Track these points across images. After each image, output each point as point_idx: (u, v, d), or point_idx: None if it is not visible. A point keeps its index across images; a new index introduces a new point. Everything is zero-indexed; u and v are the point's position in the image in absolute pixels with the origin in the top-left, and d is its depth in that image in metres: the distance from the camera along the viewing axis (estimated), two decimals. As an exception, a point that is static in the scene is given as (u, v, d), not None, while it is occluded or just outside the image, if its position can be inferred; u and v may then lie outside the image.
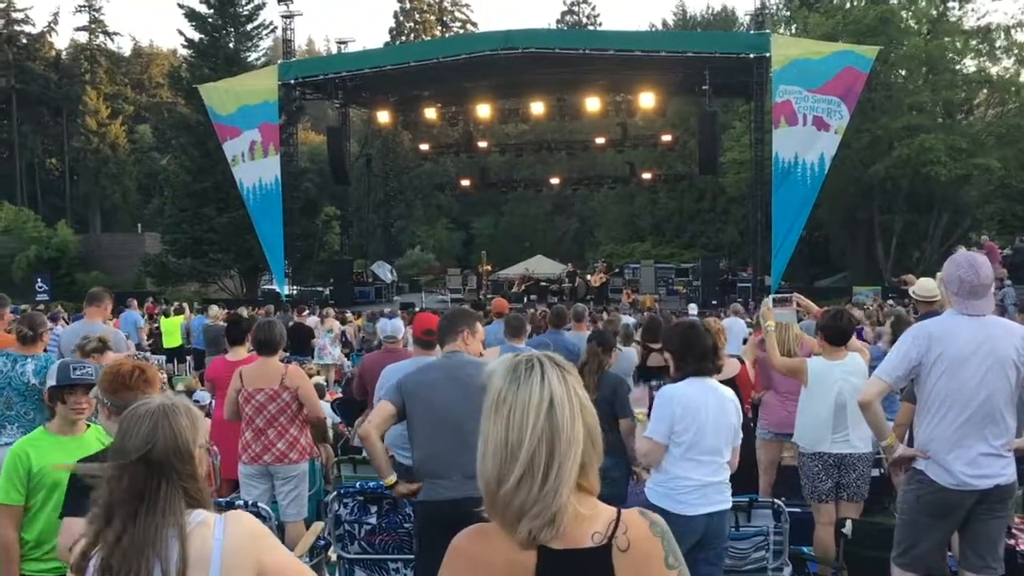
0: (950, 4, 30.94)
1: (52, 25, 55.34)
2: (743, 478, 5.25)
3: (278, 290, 27.57)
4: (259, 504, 4.72)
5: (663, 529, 1.71)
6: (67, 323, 13.52)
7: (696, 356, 4.00)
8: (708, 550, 3.86)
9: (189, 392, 9.35)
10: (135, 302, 14.97)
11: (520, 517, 1.58)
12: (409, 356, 5.64)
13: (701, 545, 3.82)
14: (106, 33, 59.09)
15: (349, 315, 19.15)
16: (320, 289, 30.17)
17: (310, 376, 7.19)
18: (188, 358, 15.96)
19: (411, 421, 3.86)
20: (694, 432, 3.85)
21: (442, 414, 3.74)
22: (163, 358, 15.65)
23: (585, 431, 1.63)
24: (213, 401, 7.25)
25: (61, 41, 57.93)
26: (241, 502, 4.78)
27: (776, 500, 4.76)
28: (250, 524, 1.99)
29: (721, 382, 5.40)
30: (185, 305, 19.28)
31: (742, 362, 6.36)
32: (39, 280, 33.62)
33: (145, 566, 1.84)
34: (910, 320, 6.84)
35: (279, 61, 28.75)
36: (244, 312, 15.03)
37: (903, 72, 30.58)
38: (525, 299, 26.05)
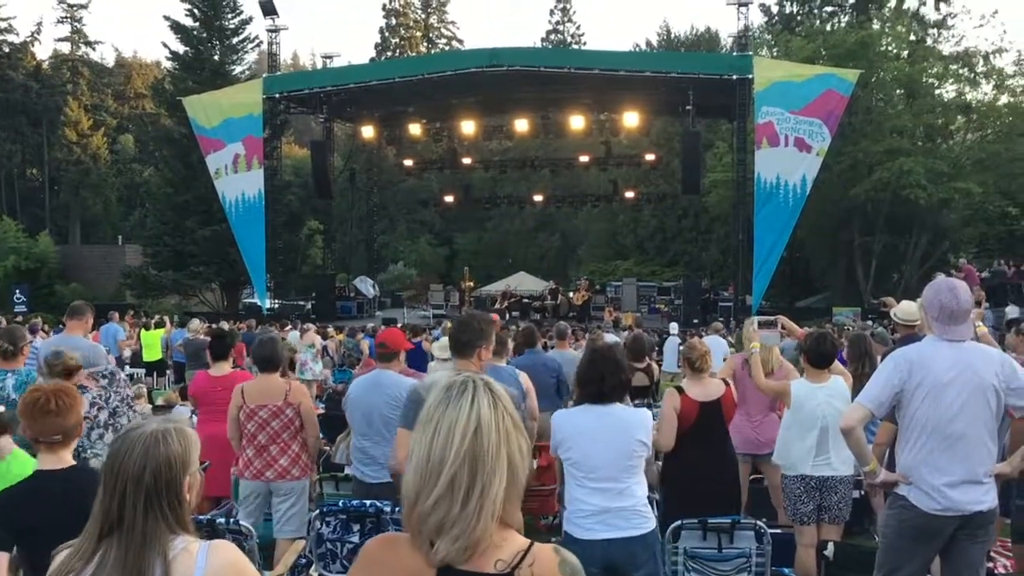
0: (930, 30, 31.36)
1: (35, 35, 55.13)
2: (728, 499, 5.28)
3: (260, 304, 27.45)
4: (240, 521, 4.67)
5: (573, 568, 1.70)
6: (47, 335, 13.41)
7: (588, 382, 3.99)
8: None
9: (169, 406, 9.27)
10: (116, 315, 14.88)
11: (438, 535, 1.59)
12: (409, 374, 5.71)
13: (614, 573, 3.79)
14: (88, 44, 58.87)
15: (331, 330, 19.09)
16: (302, 303, 30.07)
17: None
18: (168, 372, 15.84)
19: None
20: (580, 458, 3.85)
21: None
22: (143, 371, 15.54)
23: (508, 462, 1.63)
24: (194, 416, 7.21)
25: (43, 51, 57.62)
26: (222, 520, 4.74)
27: (758, 522, 4.78)
28: (233, 555, 2.02)
29: (706, 404, 5.49)
30: (166, 318, 19.15)
31: (727, 383, 6.39)
32: (17, 291, 33.30)
33: None
34: (866, 338, 6.92)
35: (264, 75, 28.75)
36: (226, 326, 14.94)
37: (883, 96, 30.93)
38: (507, 316, 26.07)
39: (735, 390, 6.24)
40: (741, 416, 6.35)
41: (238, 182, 26.51)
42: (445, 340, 7.67)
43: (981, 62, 29.29)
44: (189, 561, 1.92)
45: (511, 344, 7.26)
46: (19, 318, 21.19)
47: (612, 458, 3.84)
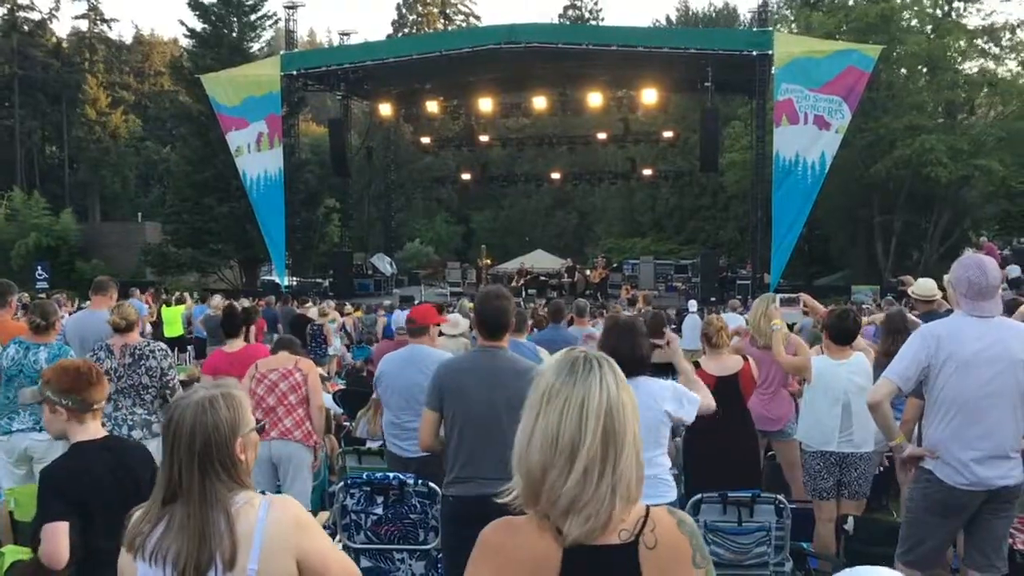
0: (955, 4, 30.90)
1: (54, 12, 55.33)
2: (747, 473, 5.31)
3: (278, 281, 27.62)
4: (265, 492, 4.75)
5: (691, 527, 1.71)
6: (70, 311, 13.56)
7: (610, 355, 3.96)
8: None
9: (191, 381, 9.38)
10: (138, 291, 15.00)
11: (567, 513, 1.59)
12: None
13: None
14: (105, 21, 58.96)
15: (348, 307, 19.19)
16: (320, 281, 30.21)
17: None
18: (189, 348, 16.00)
19: (445, 417, 3.90)
20: None
21: (476, 411, 3.78)
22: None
23: (634, 439, 1.65)
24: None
25: (62, 29, 57.76)
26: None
27: (778, 496, 4.81)
28: (295, 510, 2.09)
29: (724, 379, 5.51)
30: (187, 295, 19.30)
31: (745, 359, 6.40)
32: (39, 268, 33.61)
33: (201, 548, 1.96)
34: (903, 314, 6.89)
35: (281, 52, 28.73)
36: (245, 303, 15.05)
37: (904, 71, 30.56)
38: (524, 293, 26.10)
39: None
40: (755, 393, 6.37)
41: (260, 160, 26.59)
42: (456, 316, 7.71)
43: (1008, 36, 28.83)
44: (252, 514, 2.02)
45: (529, 322, 7.28)
46: (42, 295, 21.40)
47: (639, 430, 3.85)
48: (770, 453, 6.59)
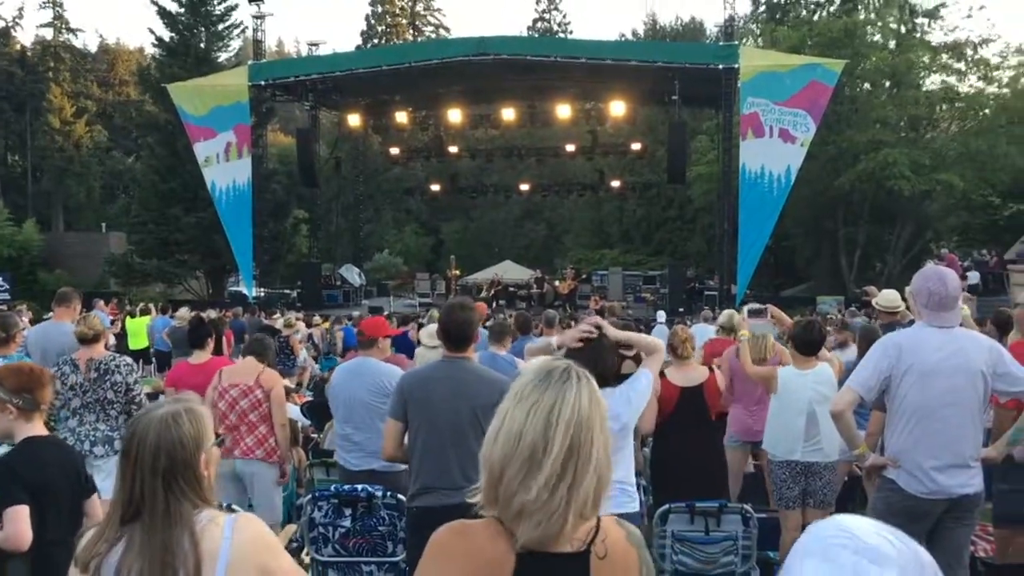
0: (919, 20, 31.43)
1: (17, 20, 54.58)
2: (712, 483, 5.35)
3: (245, 292, 27.39)
4: (232, 506, 4.71)
5: (639, 539, 1.72)
6: (31, 322, 13.34)
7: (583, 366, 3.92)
8: None
9: (155, 394, 9.27)
10: (101, 302, 14.82)
11: (520, 516, 1.58)
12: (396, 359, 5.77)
13: None
14: (70, 30, 58.32)
15: (317, 318, 19.08)
16: (288, 292, 29.99)
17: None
18: (154, 360, 15.81)
19: (410, 427, 3.89)
20: None
21: (441, 421, 3.77)
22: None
23: (598, 460, 1.62)
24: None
25: (25, 37, 57.08)
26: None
27: (744, 506, 4.85)
28: (260, 529, 2.08)
29: (689, 389, 5.55)
30: (151, 306, 19.08)
31: (711, 370, 6.46)
32: (0, 279, 33.04)
33: (164, 570, 1.92)
34: (876, 331, 6.99)
35: (249, 62, 28.57)
36: (212, 314, 14.91)
37: (868, 86, 31.01)
38: (494, 304, 26.10)
39: (730, 379, 6.31)
40: (738, 405, 6.44)
41: (228, 171, 26.40)
42: (433, 327, 7.70)
43: (970, 52, 29.38)
44: (216, 532, 1.99)
45: (511, 334, 7.27)
46: (3, 306, 21.04)
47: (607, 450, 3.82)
48: (756, 463, 6.66)
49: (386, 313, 19.83)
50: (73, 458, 3.28)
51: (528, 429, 1.59)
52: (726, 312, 7.68)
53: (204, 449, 2.06)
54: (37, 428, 3.22)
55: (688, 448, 5.39)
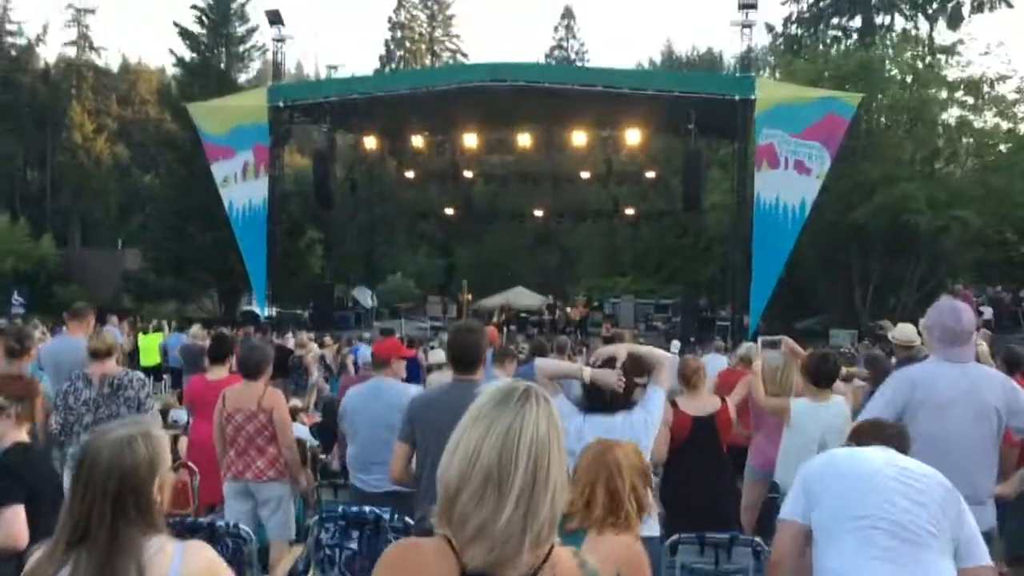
0: (937, 55, 31.47)
1: (40, 37, 55.37)
2: (723, 514, 5.30)
3: (258, 311, 27.46)
4: (240, 526, 4.70)
5: (593, 571, 1.69)
6: (44, 337, 13.41)
7: (595, 392, 3.93)
8: None
9: (166, 411, 9.29)
10: (115, 318, 14.89)
11: (473, 540, 1.56)
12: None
13: None
14: (93, 48, 59.12)
15: (328, 339, 19.08)
16: (300, 312, 30.05)
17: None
18: (165, 377, 15.85)
19: (418, 450, 3.88)
20: None
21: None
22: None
23: (555, 484, 1.59)
24: (190, 420, 7.22)
25: (49, 54, 57.88)
26: (222, 523, 4.76)
27: (756, 539, 4.80)
28: (208, 555, 2.04)
29: (700, 419, 5.52)
30: (164, 323, 19.17)
31: (723, 400, 6.42)
32: (15, 293, 33.25)
33: None
34: (883, 358, 6.94)
35: (268, 83, 28.83)
36: (225, 332, 14.94)
37: (884, 120, 31.02)
38: (505, 330, 26.07)
39: (749, 411, 6.26)
40: (761, 437, 6.37)
41: (246, 190, 26.58)
42: (442, 351, 7.71)
43: (987, 88, 29.38)
44: (164, 561, 1.94)
45: (517, 357, 7.27)
46: (18, 320, 21.16)
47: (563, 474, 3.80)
48: (772, 495, 6.58)
49: (398, 336, 19.81)
50: (53, 467, 3.40)
51: (485, 451, 1.56)
52: (746, 344, 7.69)
53: (159, 474, 2.01)
54: (24, 435, 3.30)
55: (699, 478, 5.35)
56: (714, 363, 10.15)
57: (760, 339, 6.48)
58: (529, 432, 1.57)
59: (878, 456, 2.92)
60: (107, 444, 1.97)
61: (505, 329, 26.14)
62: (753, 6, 25.10)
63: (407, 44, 58.70)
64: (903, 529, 2.69)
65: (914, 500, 2.75)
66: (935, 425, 3.60)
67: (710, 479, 5.42)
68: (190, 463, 6.38)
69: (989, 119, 30.38)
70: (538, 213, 36.85)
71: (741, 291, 24.57)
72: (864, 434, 3.21)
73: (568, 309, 29.18)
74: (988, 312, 22.15)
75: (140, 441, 1.99)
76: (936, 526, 2.72)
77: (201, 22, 36.39)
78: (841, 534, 2.73)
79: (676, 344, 16.80)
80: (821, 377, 5.33)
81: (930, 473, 2.88)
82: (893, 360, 7.23)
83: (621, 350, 3.80)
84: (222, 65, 36.70)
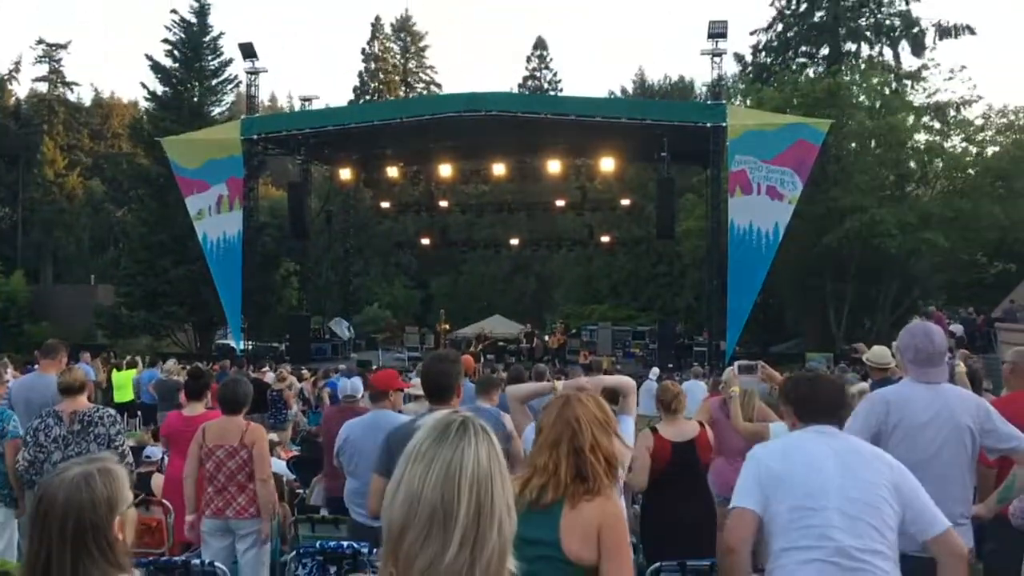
0: (904, 81, 32.01)
1: (13, 73, 55.10)
2: (704, 541, 5.28)
3: (233, 344, 27.24)
4: (216, 564, 4.65)
5: None
6: (15, 375, 13.21)
7: None
8: None
9: (140, 447, 9.14)
10: (88, 355, 14.71)
11: None
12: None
13: None
14: (65, 84, 58.89)
15: (305, 372, 18.95)
16: (276, 345, 29.84)
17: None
18: (139, 413, 15.64)
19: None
20: None
21: None
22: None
23: (501, 517, 1.55)
24: (166, 457, 7.13)
25: (21, 90, 57.52)
26: (197, 561, 4.70)
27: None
28: None
29: (680, 444, 5.52)
30: (138, 359, 18.94)
31: (703, 425, 6.42)
32: (-15, 330, 32.86)
33: None
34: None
35: (242, 116, 28.81)
36: (200, 367, 14.79)
37: (854, 145, 31.49)
38: (482, 359, 25.99)
39: (712, 433, 6.27)
40: (721, 460, 6.37)
41: (220, 223, 26.46)
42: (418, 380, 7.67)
43: (953, 112, 29.90)
44: None
45: (500, 387, 7.23)
46: (-12, 357, 20.83)
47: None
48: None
49: (375, 367, 19.69)
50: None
51: (428, 490, 1.52)
52: (728, 369, 7.66)
53: (119, 512, 1.95)
54: None
55: (681, 504, 5.34)
56: (694, 389, 10.19)
57: (736, 364, 6.49)
58: (470, 467, 1.54)
59: (826, 455, 3.06)
60: (63, 483, 1.90)
61: (483, 358, 26.07)
62: (723, 35, 25.45)
63: (381, 76, 58.90)
64: (849, 559, 2.86)
65: (866, 503, 2.92)
66: (910, 447, 3.62)
67: (692, 505, 5.42)
68: (165, 500, 6.30)
69: (957, 144, 30.90)
70: (514, 242, 36.96)
71: (717, 317, 24.71)
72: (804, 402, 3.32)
73: (546, 337, 29.16)
74: (958, 329, 22.39)
75: (98, 478, 1.93)
76: (885, 538, 2.92)
77: (173, 56, 36.38)
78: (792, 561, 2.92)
79: (655, 371, 16.81)
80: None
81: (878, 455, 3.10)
82: (869, 382, 7.27)
83: (583, 382, 3.83)
84: (195, 99, 36.65)
